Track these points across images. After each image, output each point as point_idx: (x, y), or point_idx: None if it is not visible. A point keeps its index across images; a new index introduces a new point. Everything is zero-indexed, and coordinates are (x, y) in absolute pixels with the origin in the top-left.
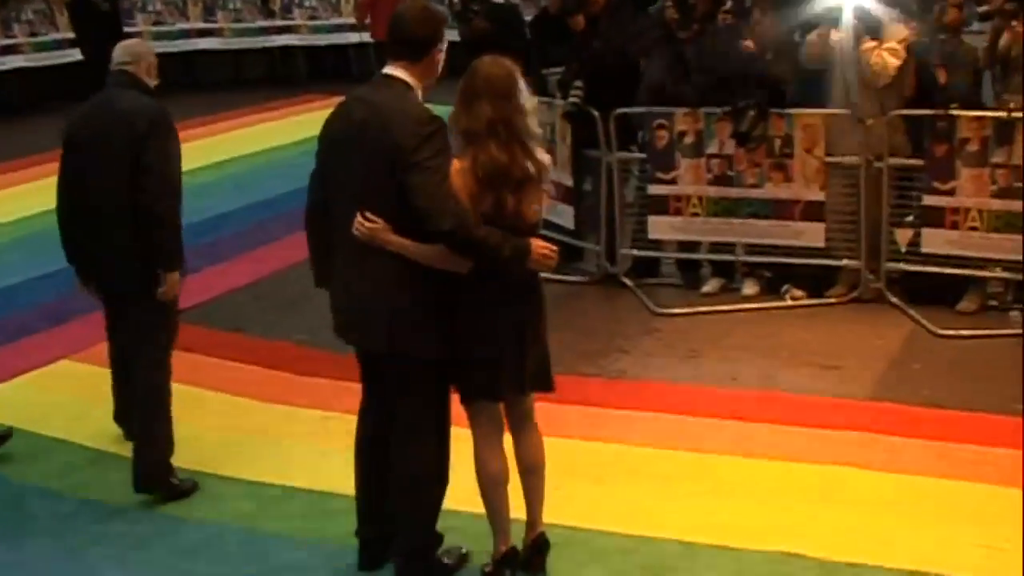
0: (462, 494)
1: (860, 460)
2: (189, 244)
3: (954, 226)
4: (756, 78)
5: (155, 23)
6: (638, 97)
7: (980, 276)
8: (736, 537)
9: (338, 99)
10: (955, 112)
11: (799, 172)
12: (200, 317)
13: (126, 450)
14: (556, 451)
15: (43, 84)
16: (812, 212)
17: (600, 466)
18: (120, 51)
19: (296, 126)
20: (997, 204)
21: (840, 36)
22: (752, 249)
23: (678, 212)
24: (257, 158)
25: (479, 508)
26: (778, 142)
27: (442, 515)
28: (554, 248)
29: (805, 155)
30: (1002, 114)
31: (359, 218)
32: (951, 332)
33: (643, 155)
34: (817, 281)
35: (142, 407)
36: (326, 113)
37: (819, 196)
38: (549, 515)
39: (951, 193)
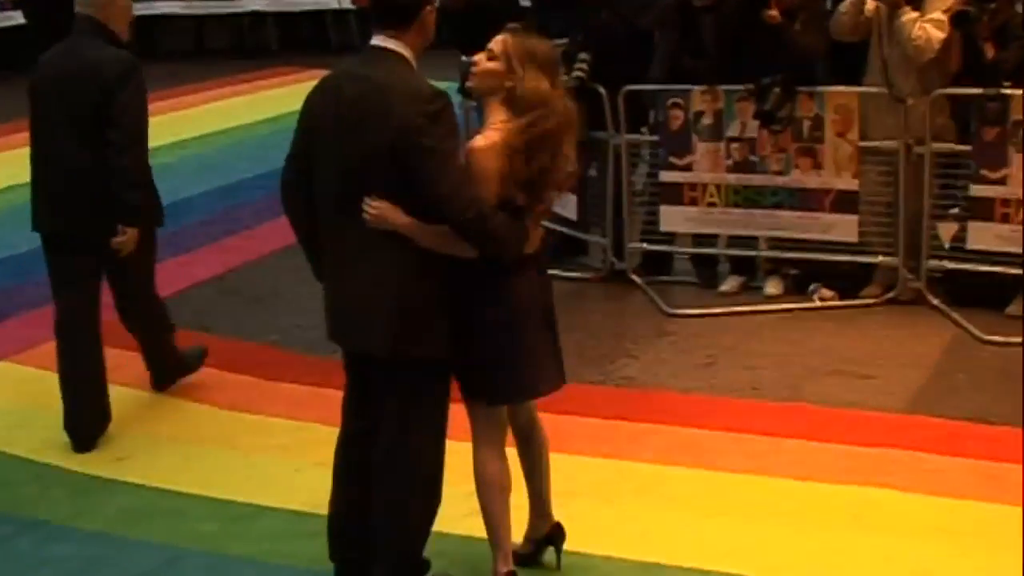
0: (451, 515)
1: (896, 481)
2: None
3: (1004, 219)
4: (782, 52)
5: None
6: (650, 72)
7: None
8: (756, 566)
9: (315, 72)
10: (1007, 91)
11: (830, 158)
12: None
13: (75, 463)
14: (557, 468)
15: None
16: (844, 203)
17: (606, 484)
18: None
19: (266, 102)
20: None
21: (876, 5)
22: (776, 244)
23: (693, 202)
24: (223, 137)
25: (471, 530)
26: (807, 124)
27: (429, 538)
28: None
29: (837, 139)
30: None
31: (367, 202)
32: (999, 338)
33: (655, 138)
34: (849, 280)
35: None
36: (300, 88)
37: (852, 185)
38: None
39: (1001, 182)
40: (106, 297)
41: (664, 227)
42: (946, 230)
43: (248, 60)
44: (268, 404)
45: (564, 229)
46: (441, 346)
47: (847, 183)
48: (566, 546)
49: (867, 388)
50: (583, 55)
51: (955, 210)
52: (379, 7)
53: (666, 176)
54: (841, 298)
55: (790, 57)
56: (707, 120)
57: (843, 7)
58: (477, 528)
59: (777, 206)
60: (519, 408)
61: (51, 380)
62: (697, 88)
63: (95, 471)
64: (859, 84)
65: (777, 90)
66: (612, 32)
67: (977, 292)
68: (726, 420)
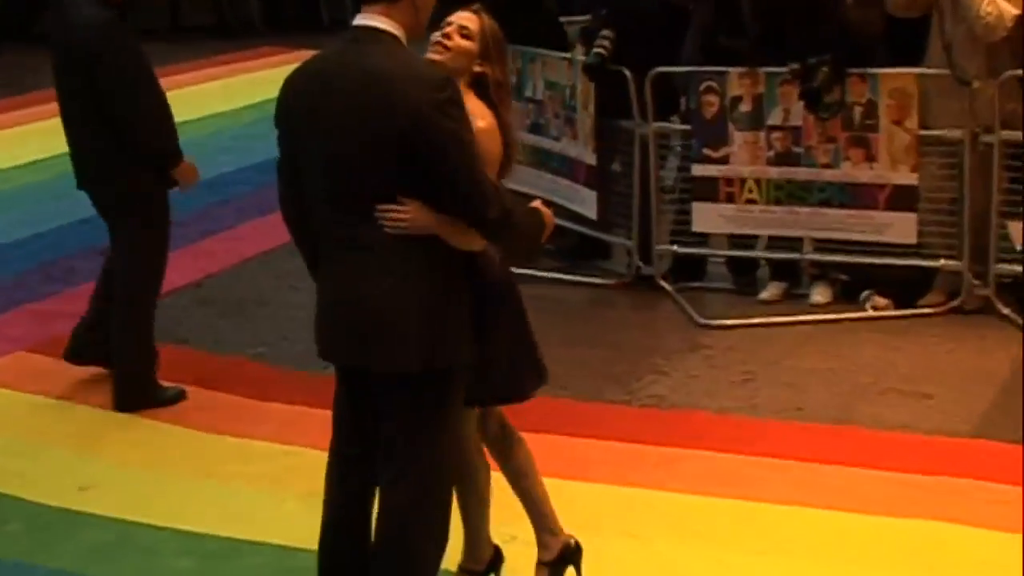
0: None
1: (959, 513)
2: None
3: None
4: (832, 28)
5: None
6: (681, 53)
7: None
8: None
9: (303, 54)
10: None
11: (885, 149)
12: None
13: (33, 492)
14: (578, 498)
15: None
16: (901, 199)
17: (632, 517)
18: None
19: (249, 87)
20: None
21: None
22: (823, 246)
23: (730, 199)
24: (199, 127)
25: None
26: (859, 110)
27: None
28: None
29: (893, 127)
30: None
31: (394, 206)
32: None
33: (686, 126)
34: (906, 287)
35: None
36: (287, 71)
37: (911, 179)
38: None
39: None
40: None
41: (696, 227)
42: (1017, 230)
43: (229, 39)
44: (251, 426)
45: (583, 229)
46: (469, 348)
47: (904, 177)
48: None
49: (926, 409)
50: (606, 32)
51: None
52: None
53: (699, 170)
54: (897, 307)
55: (841, 34)
56: (745, 106)
57: None
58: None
59: (824, 203)
60: (490, 416)
61: (5, 399)
62: (734, 70)
63: (56, 502)
64: (918, 65)
65: (826, 70)
66: (639, 6)
67: None
68: (767, 445)
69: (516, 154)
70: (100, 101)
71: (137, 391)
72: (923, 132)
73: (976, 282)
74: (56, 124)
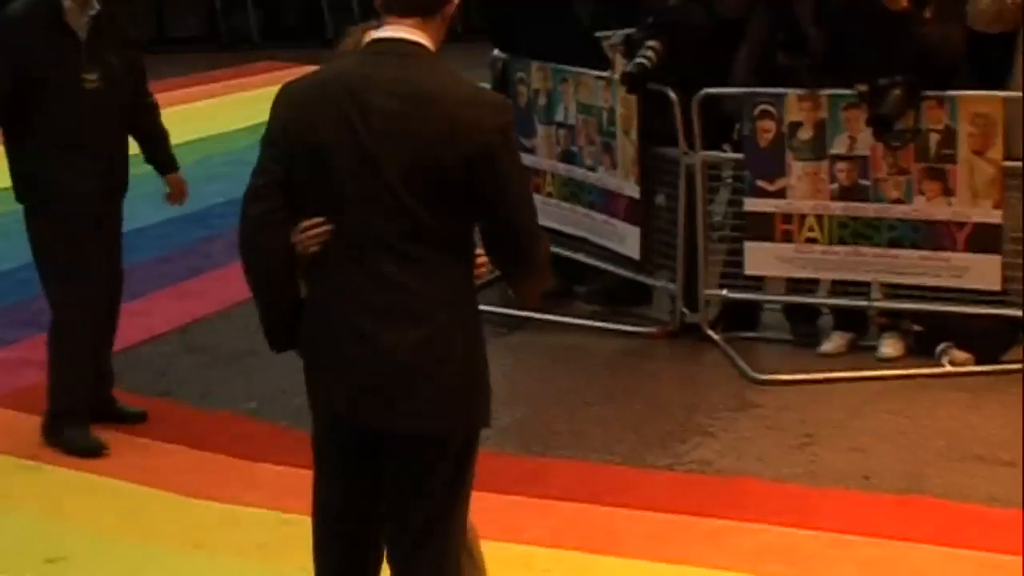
0: None
1: None
2: None
3: None
4: (906, 45)
5: None
6: (733, 72)
7: None
8: None
9: (305, 69)
10: None
11: (964, 182)
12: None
13: None
14: (611, 575)
15: None
16: (983, 240)
17: None
18: None
19: (244, 106)
20: None
21: None
22: (894, 292)
23: (788, 238)
24: (186, 152)
25: None
26: (935, 139)
27: None
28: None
29: (974, 157)
30: None
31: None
32: None
33: (739, 155)
34: (989, 339)
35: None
36: None
37: (993, 217)
38: None
39: None
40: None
41: (750, 270)
42: None
43: (222, 52)
44: (243, 490)
45: (622, 271)
46: (490, 401)
47: (986, 214)
48: None
49: (1010, 478)
50: (652, 43)
51: None
52: None
53: (753, 205)
54: (977, 362)
55: (917, 52)
56: (806, 133)
57: None
58: None
59: (895, 243)
60: None
61: None
62: (793, 92)
63: None
64: (1003, 88)
65: (897, 93)
66: (686, 18)
67: None
68: (829, 518)
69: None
70: None
71: (50, 429)
72: (1008, 163)
73: None
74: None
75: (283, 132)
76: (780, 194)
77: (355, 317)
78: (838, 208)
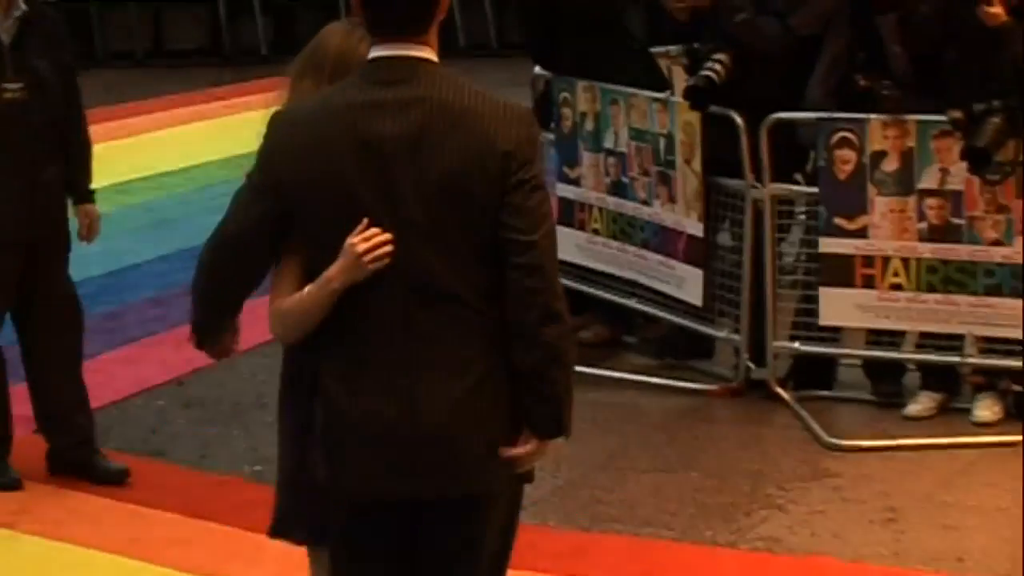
0: None
1: None
2: None
3: None
4: (1005, 66)
5: None
6: (808, 94)
7: None
8: None
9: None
10: None
11: None
12: (98, 433)
13: None
14: None
15: None
16: None
17: None
18: None
19: (249, 127)
20: None
21: None
22: (991, 347)
23: (869, 283)
24: (185, 179)
25: None
26: None
27: None
28: None
29: None
30: None
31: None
32: None
33: (813, 189)
34: None
35: None
36: None
37: None
38: None
39: None
40: None
41: (825, 320)
42: None
43: (226, 66)
44: (246, 567)
45: (681, 320)
46: None
47: None
48: None
49: None
50: (720, 56)
51: None
52: (399, 7)
53: (829, 245)
54: None
55: (1018, 74)
56: (891, 165)
57: None
58: None
59: (993, 291)
60: None
61: None
62: (876, 118)
63: None
64: None
65: (996, 121)
66: (758, 33)
67: None
68: None
69: None
70: None
71: None
72: None
73: None
74: None
75: (277, 176)
76: (861, 233)
77: (386, 374)
78: (927, 250)
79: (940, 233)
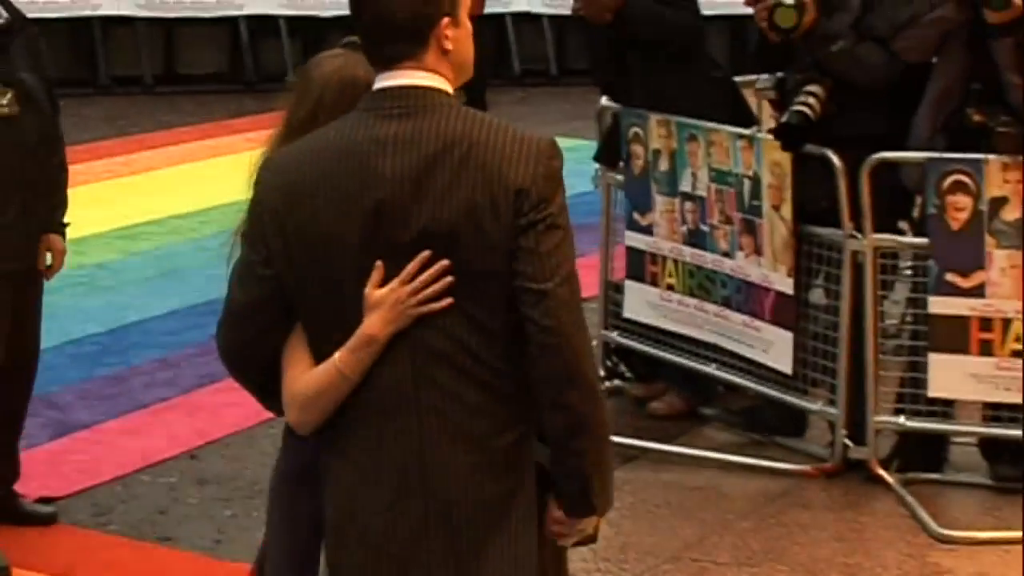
0: None
1: None
2: (72, 377)
3: None
4: None
5: None
6: (913, 131)
7: None
8: None
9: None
10: None
11: None
12: (96, 514)
13: None
14: None
15: None
16: None
17: None
18: None
19: None
20: None
21: None
22: None
23: (986, 350)
24: (198, 223)
25: None
26: None
27: None
28: None
29: None
30: None
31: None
32: None
33: (921, 239)
34: None
35: None
36: None
37: None
38: None
39: None
40: None
41: (935, 391)
42: None
43: (248, 93)
44: None
45: (768, 389)
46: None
47: None
48: None
49: None
50: (814, 87)
51: None
52: (374, 31)
53: (940, 305)
54: None
55: None
56: (1012, 213)
57: None
58: None
59: None
60: None
61: None
62: (994, 158)
63: None
64: None
65: None
66: (859, 60)
67: None
68: None
69: None
70: None
71: None
72: None
73: None
74: None
75: (272, 226)
76: (977, 292)
77: (397, 450)
78: None
79: None
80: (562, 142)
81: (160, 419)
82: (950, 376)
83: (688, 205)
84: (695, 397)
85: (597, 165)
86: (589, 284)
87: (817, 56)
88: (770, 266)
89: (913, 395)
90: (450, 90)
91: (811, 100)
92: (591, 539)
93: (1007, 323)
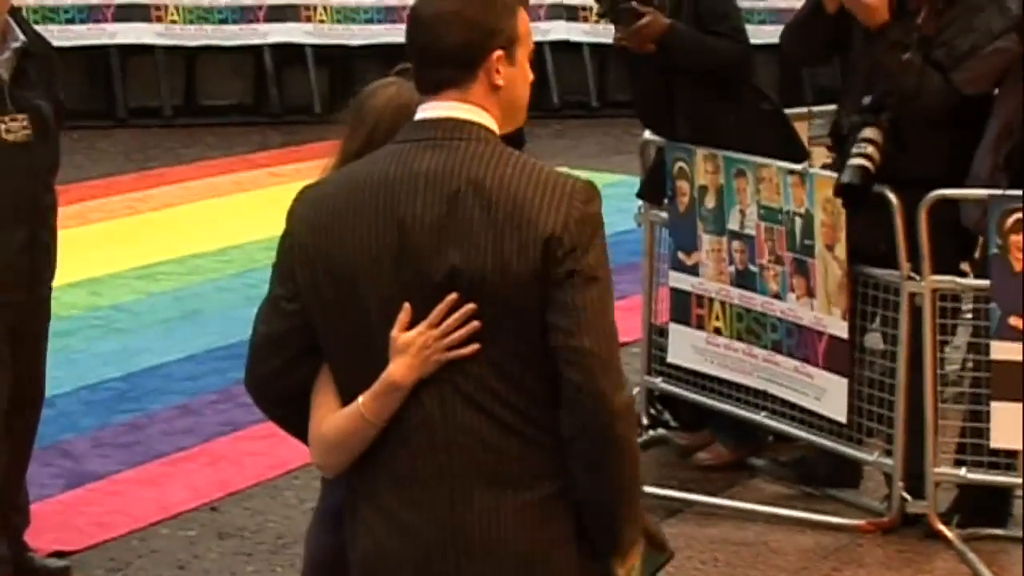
0: None
1: None
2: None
3: None
4: None
5: None
6: (974, 168)
7: None
8: None
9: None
10: None
11: None
12: (112, 569)
13: None
14: None
15: None
16: None
17: None
18: None
19: None
20: None
21: None
22: None
23: None
24: (223, 260)
25: None
26: None
27: None
28: None
29: None
30: None
31: None
32: None
33: (984, 282)
34: None
35: None
36: None
37: None
38: None
39: None
40: None
41: (998, 442)
42: None
43: (273, 125)
44: None
45: (821, 439)
46: None
47: None
48: None
49: None
50: (870, 132)
51: None
52: (423, 57)
53: (1004, 351)
54: None
55: None
56: None
57: None
58: None
59: None
60: None
61: None
62: None
63: None
64: None
65: None
66: (920, 89)
67: None
68: None
69: None
70: None
71: None
72: None
73: None
74: None
75: (300, 259)
76: None
77: (427, 495)
78: None
79: None
80: (603, 178)
81: (179, 469)
82: (1014, 425)
83: (736, 244)
84: (743, 447)
85: (640, 202)
86: (631, 327)
87: (885, 61)
88: (823, 309)
89: (975, 445)
90: (495, 128)
91: (869, 149)
92: None
93: None
